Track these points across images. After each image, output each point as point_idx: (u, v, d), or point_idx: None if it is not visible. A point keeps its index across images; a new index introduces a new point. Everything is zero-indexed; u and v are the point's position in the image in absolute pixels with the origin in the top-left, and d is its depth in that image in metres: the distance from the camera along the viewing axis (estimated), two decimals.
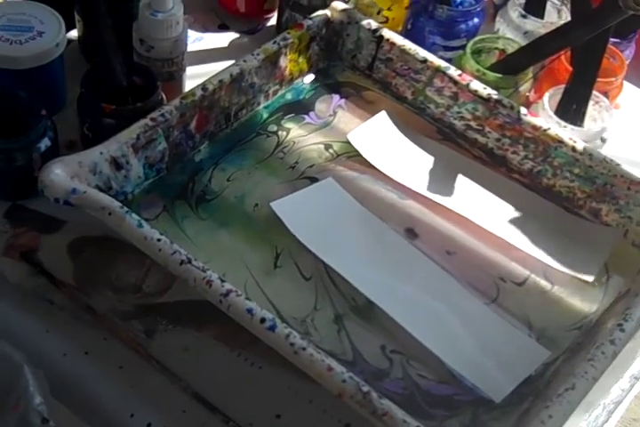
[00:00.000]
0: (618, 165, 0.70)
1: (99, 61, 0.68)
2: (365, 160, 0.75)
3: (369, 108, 0.80)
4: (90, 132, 0.68)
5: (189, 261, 0.56)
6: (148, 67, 0.71)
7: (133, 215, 0.58)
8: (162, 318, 0.63)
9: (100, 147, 0.63)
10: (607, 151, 0.75)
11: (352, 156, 0.75)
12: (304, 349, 0.53)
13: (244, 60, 0.72)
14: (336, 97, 0.80)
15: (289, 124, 0.77)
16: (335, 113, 0.79)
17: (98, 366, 0.60)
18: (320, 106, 0.79)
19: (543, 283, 0.70)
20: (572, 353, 0.63)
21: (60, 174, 0.59)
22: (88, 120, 0.68)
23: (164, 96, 0.70)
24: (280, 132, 0.76)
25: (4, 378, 0.52)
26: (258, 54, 0.73)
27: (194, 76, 0.77)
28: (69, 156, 0.61)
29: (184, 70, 0.76)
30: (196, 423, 0.58)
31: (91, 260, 0.65)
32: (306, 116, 0.78)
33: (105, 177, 0.63)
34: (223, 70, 0.71)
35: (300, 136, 0.76)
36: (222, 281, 0.56)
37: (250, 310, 0.54)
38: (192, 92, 0.68)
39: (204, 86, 0.69)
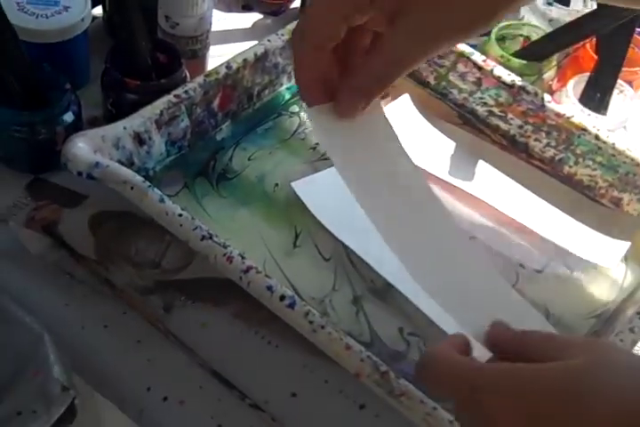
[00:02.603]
0: None
1: (123, 37, 0.68)
2: None
3: (391, 92, 0.79)
4: (113, 107, 0.68)
5: (210, 237, 0.56)
6: (173, 44, 0.71)
7: (155, 190, 0.58)
8: (180, 293, 0.63)
9: (124, 122, 0.63)
10: (631, 141, 0.74)
11: None
12: (323, 327, 0.53)
13: (269, 40, 0.72)
14: None
15: None
16: None
17: (116, 339, 0.60)
18: None
19: (562, 270, 0.70)
20: None
21: (84, 148, 0.59)
22: (112, 95, 0.68)
23: (187, 73, 0.70)
24: (302, 114, 0.76)
25: (24, 347, 0.52)
26: (282, 35, 0.73)
27: (216, 56, 0.77)
28: (93, 130, 0.61)
29: (208, 49, 0.76)
30: (211, 399, 0.58)
31: (111, 234, 0.65)
32: None
33: (127, 152, 0.63)
34: (247, 49, 0.71)
35: None
36: (242, 258, 0.56)
37: (269, 287, 0.54)
38: (216, 70, 0.68)
39: (228, 65, 0.69)
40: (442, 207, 0.58)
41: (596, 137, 0.71)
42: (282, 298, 0.54)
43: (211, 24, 0.74)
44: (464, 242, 0.66)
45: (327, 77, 0.51)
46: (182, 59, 0.70)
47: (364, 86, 0.51)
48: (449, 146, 0.76)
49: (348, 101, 0.52)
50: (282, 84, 0.76)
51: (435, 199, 0.58)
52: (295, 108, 0.76)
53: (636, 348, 0.67)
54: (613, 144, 0.70)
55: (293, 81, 0.77)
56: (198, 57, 0.75)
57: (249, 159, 0.71)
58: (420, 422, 0.51)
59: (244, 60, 0.70)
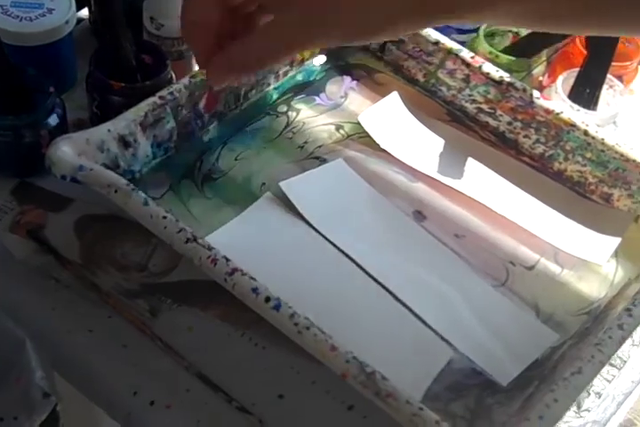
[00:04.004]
0: (631, 149, 0.69)
1: (108, 39, 0.68)
2: (375, 142, 0.74)
3: (380, 91, 0.79)
4: (98, 110, 0.68)
5: (195, 240, 0.56)
6: (158, 45, 0.71)
7: (139, 193, 0.58)
8: (167, 297, 0.62)
9: (108, 124, 0.62)
10: (621, 136, 0.74)
11: (363, 137, 0.75)
12: (308, 328, 0.53)
13: None
14: (347, 79, 0.80)
15: (299, 105, 0.77)
16: (346, 95, 0.79)
17: (102, 343, 0.60)
18: (331, 87, 0.79)
19: (553, 267, 0.69)
20: (580, 338, 0.63)
21: (68, 151, 0.59)
22: (97, 98, 0.68)
23: (173, 75, 0.70)
24: (290, 113, 0.76)
25: (6, 353, 0.52)
26: None
27: None
28: (77, 133, 0.61)
29: None
30: (198, 403, 0.58)
31: (97, 238, 0.65)
32: (316, 98, 0.78)
33: (112, 155, 0.63)
34: None
35: (310, 117, 0.76)
36: (227, 260, 0.55)
37: (254, 289, 0.54)
38: (202, 71, 0.68)
39: None
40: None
41: (585, 133, 0.70)
42: (267, 300, 0.54)
43: None
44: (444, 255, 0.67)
45: (217, 30, 0.52)
46: (168, 60, 0.69)
47: (240, 62, 0.51)
48: (438, 143, 0.75)
49: (220, 72, 0.52)
50: (269, 85, 0.76)
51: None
52: (283, 108, 0.76)
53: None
54: (602, 139, 0.70)
55: (281, 81, 0.77)
56: (184, 58, 0.75)
57: (236, 159, 0.71)
58: (406, 422, 0.51)
59: None
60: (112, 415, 0.57)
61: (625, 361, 0.67)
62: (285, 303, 0.54)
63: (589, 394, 0.64)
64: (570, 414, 0.62)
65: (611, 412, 0.65)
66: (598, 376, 0.64)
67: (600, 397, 0.64)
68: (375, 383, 0.51)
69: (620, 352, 0.66)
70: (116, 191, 0.58)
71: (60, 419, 0.51)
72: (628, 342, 0.67)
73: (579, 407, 0.63)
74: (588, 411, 0.63)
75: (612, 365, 0.66)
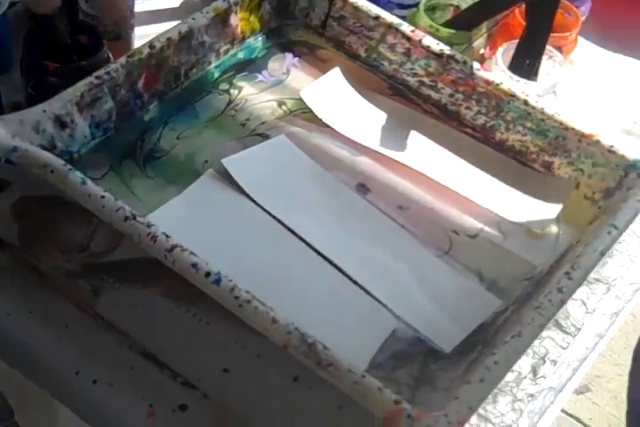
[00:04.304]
0: (570, 117, 0.70)
1: (42, 20, 0.67)
2: (318, 117, 0.74)
3: (323, 67, 0.79)
4: (34, 91, 0.67)
5: (134, 217, 0.56)
6: (94, 25, 0.70)
7: (76, 173, 0.57)
8: (109, 276, 0.62)
9: (43, 105, 0.62)
10: (560, 105, 0.74)
11: (305, 112, 0.75)
12: (248, 302, 0.53)
13: (193, 18, 0.71)
14: (289, 56, 0.80)
15: (241, 83, 0.76)
16: (288, 71, 0.78)
17: (42, 325, 0.59)
18: (273, 65, 0.79)
19: (496, 235, 0.70)
20: (522, 303, 0.64)
21: (1, 133, 0.58)
22: (31, 79, 0.67)
23: (110, 55, 0.69)
24: (232, 91, 0.75)
25: None
26: (207, 12, 0.72)
27: (145, 36, 0.76)
28: (10, 114, 0.60)
29: (132, 29, 0.75)
30: (142, 380, 0.58)
31: (36, 220, 0.64)
32: (259, 75, 0.78)
33: (49, 136, 0.62)
34: (171, 28, 0.70)
35: (253, 94, 0.76)
36: (167, 236, 0.55)
37: (194, 265, 0.54)
38: (139, 50, 0.67)
39: (151, 44, 0.68)
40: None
41: (525, 102, 0.71)
42: (207, 275, 0.54)
43: (134, 3, 0.73)
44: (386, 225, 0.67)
45: None
46: (106, 40, 0.69)
47: None
48: (381, 117, 0.76)
49: None
50: (210, 63, 0.76)
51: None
52: (225, 86, 0.76)
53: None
54: (542, 109, 0.70)
55: (222, 59, 0.76)
56: (123, 38, 0.74)
57: (178, 138, 0.71)
58: (348, 390, 0.51)
59: (168, 39, 0.69)
60: (56, 397, 0.57)
61: (579, 329, 0.68)
62: (226, 277, 0.54)
63: (545, 362, 0.65)
64: (526, 381, 0.63)
65: (566, 378, 0.65)
66: (553, 344, 0.65)
67: (555, 364, 0.65)
68: (316, 353, 0.51)
69: (573, 320, 0.67)
70: (52, 171, 0.57)
71: (12, 408, 0.51)
72: (582, 309, 0.68)
73: (535, 375, 0.64)
74: (544, 378, 0.64)
75: (566, 332, 0.67)
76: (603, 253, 0.62)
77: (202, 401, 0.58)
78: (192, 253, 0.55)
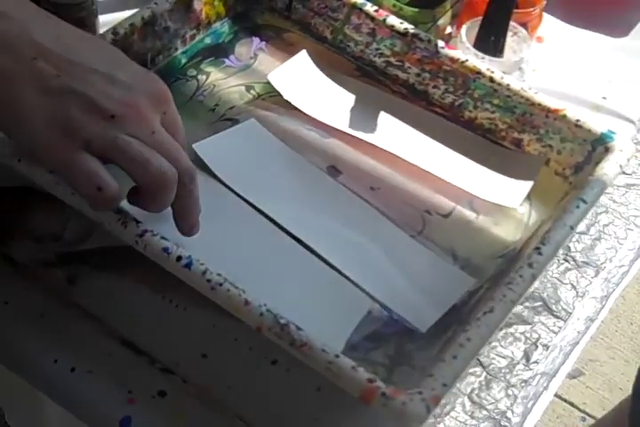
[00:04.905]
0: (536, 93, 0.70)
1: None
2: (287, 100, 0.74)
3: (290, 50, 0.79)
4: None
5: None
6: (55, 12, 0.69)
7: None
8: (84, 264, 0.62)
9: None
10: (531, 83, 0.75)
11: (273, 96, 0.75)
12: (221, 284, 0.53)
13: (156, 3, 0.71)
14: (256, 40, 0.80)
15: (209, 68, 0.76)
16: (256, 56, 0.78)
17: (18, 314, 0.60)
18: (240, 49, 0.79)
19: (468, 213, 0.70)
20: (496, 281, 0.64)
21: None
22: None
23: None
24: (200, 76, 0.75)
25: None
26: None
27: (108, 24, 0.75)
28: None
29: (96, 16, 0.74)
30: (120, 366, 0.58)
31: (9, 210, 0.64)
32: (226, 60, 0.77)
33: None
34: (134, 14, 0.70)
35: (221, 79, 0.76)
36: (137, 222, 0.55)
37: (165, 249, 0.54)
38: (102, 36, 0.67)
39: (114, 30, 0.68)
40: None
41: (491, 79, 0.71)
42: (178, 259, 0.54)
43: None
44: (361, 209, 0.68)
45: None
46: None
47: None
48: (349, 99, 0.76)
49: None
50: (177, 49, 0.76)
51: None
52: (193, 72, 0.76)
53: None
54: (508, 85, 0.71)
55: (189, 45, 0.76)
56: (86, 25, 0.74)
57: None
58: (323, 370, 0.51)
59: (132, 25, 0.69)
60: (34, 385, 0.57)
61: (570, 313, 0.68)
62: (197, 261, 0.54)
63: (537, 347, 0.65)
64: (519, 367, 0.64)
65: (559, 362, 0.66)
66: (545, 328, 0.65)
67: (547, 349, 0.66)
68: (290, 334, 0.52)
69: (564, 304, 0.68)
70: (19, 160, 0.57)
71: None
72: (572, 293, 0.69)
73: (527, 360, 0.64)
74: (537, 363, 0.65)
75: (557, 317, 0.67)
76: (572, 228, 0.62)
77: (181, 387, 0.58)
78: (163, 237, 0.55)
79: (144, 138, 0.51)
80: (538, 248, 0.60)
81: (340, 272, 0.64)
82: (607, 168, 0.66)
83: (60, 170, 0.51)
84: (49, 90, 0.49)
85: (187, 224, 0.57)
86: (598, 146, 0.69)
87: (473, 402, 0.62)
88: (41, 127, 0.49)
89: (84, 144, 0.50)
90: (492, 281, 0.65)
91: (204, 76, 0.75)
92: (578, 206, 0.63)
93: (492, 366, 0.64)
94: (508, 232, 0.69)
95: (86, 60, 0.51)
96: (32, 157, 0.52)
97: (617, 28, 0.94)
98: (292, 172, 0.70)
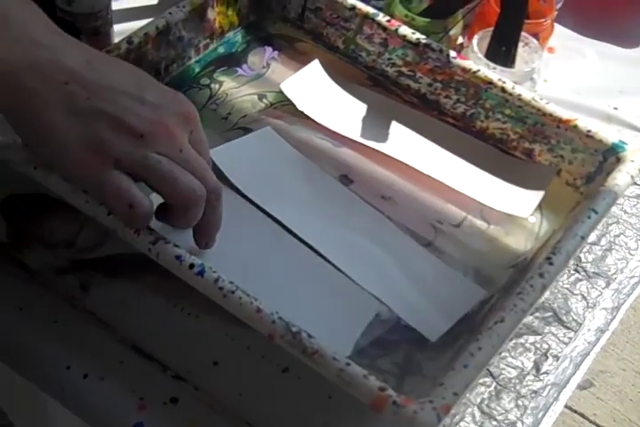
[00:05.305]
0: (547, 103, 0.71)
1: None
2: (299, 109, 0.74)
3: (302, 60, 0.79)
4: None
5: None
6: (71, 21, 0.70)
7: None
8: (97, 271, 0.63)
9: None
10: (543, 94, 0.75)
11: (286, 105, 0.75)
12: (233, 292, 0.53)
13: (170, 13, 0.71)
14: (269, 49, 0.80)
15: (222, 77, 0.77)
16: (268, 65, 0.79)
17: (33, 321, 0.60)
18: (253, 59, 0.79)
19: (480, 223, 0.70)
20: (506, 291, 0.64)
21: None
22: None
23: None
24: (213, 85, 0.76)
25: None
26: (184, 6, 0.72)
27: (124, 33, 0.76)
28: None
29: (111, 26, 0.75)
30: (132, 373, 0.58)
31: (24, 217, 0.65)
32: (239, 69, 0.78)
33: None
34: (149, 23, 0.70)
35: (234, 88, 0.76)
36: (151, 230, 0.56)
37: (178, 257, 0.55)
38: (117, 45, 0.68)
39: (129, 39, 0.68)
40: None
41: (503, 89, 0.71)
42: (191, 266, 0.54)
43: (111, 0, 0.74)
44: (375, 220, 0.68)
45: None
46: (84, 36, 0.69)
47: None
48: (361, 108, 0.76)
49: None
50: (190, 58, 0.76)
51: None
52: (206, 81, 0.76)
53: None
54: (519, 95, 0.71)
55: (202, 54, 0.77)
56: (101, 34, 0.74)
57: None
58: (334, 378, 0.52)
59: (146, 35, 0.69)
60: (47, 391, 0.58)
61: (580, 324, 0.68)
62: (210, 268, 0.54)
63: (547, 357, 0.65)
64: (529, 377, 0.64)
65: (569, 373, 0.66)
66: (555, 339, 0.65)
67: (558, 359, 0.66)
68: (301, 342, 0.52)
69: (574, 315, 0.68)
70: (35, 168, 0.58)
71: None
72: (582, 304, 0.69)
73: (538, 371, 0.64)
74: (547, 374, 0.65)
75: (567, 327, 0.67)
76: (583, 238, 0.62)
77: (193, 394, 0.58)
78: (176, 245, 0.55)
79: (173, 156, 0.52)
80: (549, 258, 0.60)
81: (350, 279, 0.64)
82: (618, 178, 0.67)
83: (91, 188, 0.52)
84: (80, 111, 0.50)
85: (205, 239, 0.58)
86: (610, 156, 0.69)
87: (483, 412, 0.62)
88: (72, 147, 0.50)
89: (114, 162, 0.51)
90: (503, 291, 0.65)
91: (217, 85, 0.76)
92: (589, 217, 0.63)
93: (501, 376, 0.64)
94: (518, 242, 0.70)
95: (115, 83, 0.52)
96: (66, 177, 0.53)
97: (628, 38, 0.94)
98: (306, 179, 0.70)
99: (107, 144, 0.50)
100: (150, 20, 0.74)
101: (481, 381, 0.63)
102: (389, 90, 0.78)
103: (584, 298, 0.70)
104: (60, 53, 0.51)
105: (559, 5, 0.85)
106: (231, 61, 0.78)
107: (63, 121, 0.50)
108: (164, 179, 0.52)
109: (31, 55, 0.50)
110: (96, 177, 0.51)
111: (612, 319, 0.70)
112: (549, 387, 0.64)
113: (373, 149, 0.73)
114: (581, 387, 1.61)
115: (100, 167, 0.51)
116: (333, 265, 0.65)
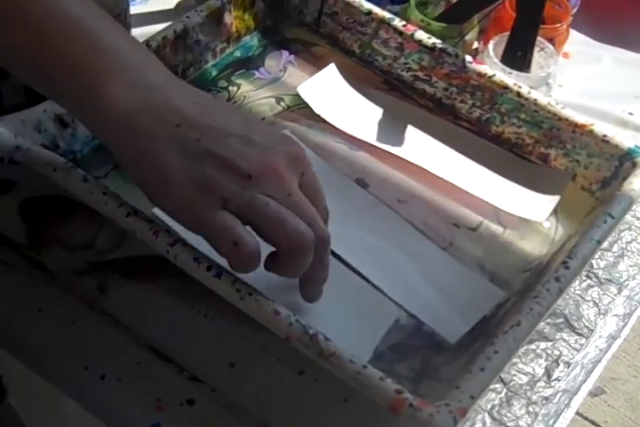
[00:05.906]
0: (563, 108, 0.71)
1: None
2: (315, 112, 0.75)
3: (318, 64, 0.80)
4: (36, 91, 0.68)
5: (136, 213, 0.56)
6: None
7: (78, 170, 0.58)
8: (115, 273, 0.63)
9: (44, 104, 0.63)
10: (558, 99, 0.75)
11: (303, 108, 0.76)
12: (250, 294, 0.54)
13: (188, 17, 0.72)
14: (285, 53, 0.81)
15: (239, 80, 0.77)
16: (285, 68, 0.79)
17: (51, 322, 0.60)
18: (270, 62, 0.80)
19: (495, 227, 0.71)
20: (522, 294, 0.64)
21: (3, 133, 0.59)
22: None
23: None
24: (230, 88, 0.76)
25: None
26: (201, 11, 0.73)
27: (141, 37, 0.76)
28: (11, 114, 0.61)
29: (129, 29, 0.76)
30: (149, 374, 0.59)
31: (43, 219, 0.65)
32: (256, 72, 0.78)
33: (51, 135, 0.63)
34: (166, 27, 0.71)
35: (251, 91, 0.77)
36: (169, 232, 0.56)
37: (196, 259, 0.55)
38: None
39: (147, 43, 0.69)
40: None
41: (518, 94, 0.72)
42: (208, 269, 0.55)
43: (129, 3, 0.74)
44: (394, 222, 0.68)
45: None
46: None
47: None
48: (377, 112, 0.77)
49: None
50: (207, 62, 0.77)
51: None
52: (224, 84, 0.77)
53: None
54: (535, 100, 0.71)
55: (219, 58, 0.77)
56: None
57: None
58: (350, 380, 0.52)
59: (164, 39, 0.70)
60: (64, 391, 0.58)
61: (592, 330, 0.68)
62: (227, 271, 0.54)
63: (559, 364, 0.65)
64: (540, 384, 0.64)
65: (581, 380, 0.66)
66: (566, 346, 0.65)
67: (569, 366, 0.65)
68: (318, 344, 0.52)
69: (586, 321, 0.68)
70: (54, 170, 0.58)
71: (6, 391, 0.52)
72: (594, 310, 0.69)
73: (549, 377, 0.64)
74: (558, 380, 0.64)
75: (579, 334, 0.67)
76: (599, 242, 0.62)
77: (210, 395, 0.59)
78: (193, 247, 0.56)
79: (281, 199, 0.52)
80: (565, 262, 0.60)
81: (368, 282, 0.65)
82: (634, 183, 0.67)
83: (198, 228, 0.52)
84: (190, 153, 0.50)
85: (311, 291, 0.58)
86: (625, 161, 0.69)
87: (493, 419, 0.62)
88: (181, 187, 0.50)
89: (221, 203, 0.50)
90: (519, 294, 0.65)
91: (235, 88, 0.76)
92: (605, 221, 0.63)
93: (512, 382, 0.64)
94: (534, 246, 0.70)
95: (223, 124, 0.52)
96: (172, 216, 0.53)
97: None
98: (324, 182, 0.70)
99: (215, 184, 0.50)
100: (168, 24, 0.75)
101: (492, 387, 0.63)
102: (405, 94, 0.78)
103: (596, 304, 0.70)
104: (171, 96, 0.51)
105: (574, 11, 0.85)
106: (248, 65, 0.79)
107: (176, 162, 0.50)
108: (270, 220, 0.51)
109: (146, 99, 0.50)
110: (202, 217, 0.50)
111: (623, 326, 0.70)
112: (560, 394, 0.64)
113: (389, 153, 0.73)
114: (592, 394, 1.60)
115: (208, 207, 0.50)
116: (353, 269, 0.65)
